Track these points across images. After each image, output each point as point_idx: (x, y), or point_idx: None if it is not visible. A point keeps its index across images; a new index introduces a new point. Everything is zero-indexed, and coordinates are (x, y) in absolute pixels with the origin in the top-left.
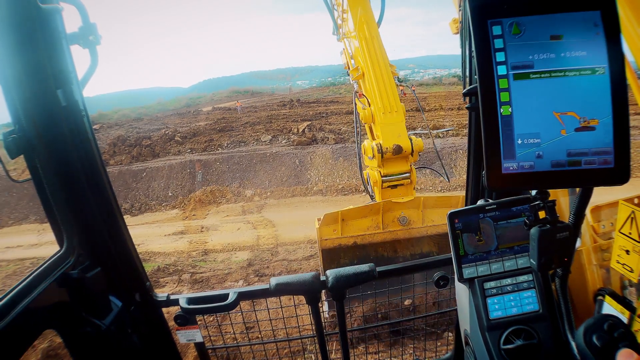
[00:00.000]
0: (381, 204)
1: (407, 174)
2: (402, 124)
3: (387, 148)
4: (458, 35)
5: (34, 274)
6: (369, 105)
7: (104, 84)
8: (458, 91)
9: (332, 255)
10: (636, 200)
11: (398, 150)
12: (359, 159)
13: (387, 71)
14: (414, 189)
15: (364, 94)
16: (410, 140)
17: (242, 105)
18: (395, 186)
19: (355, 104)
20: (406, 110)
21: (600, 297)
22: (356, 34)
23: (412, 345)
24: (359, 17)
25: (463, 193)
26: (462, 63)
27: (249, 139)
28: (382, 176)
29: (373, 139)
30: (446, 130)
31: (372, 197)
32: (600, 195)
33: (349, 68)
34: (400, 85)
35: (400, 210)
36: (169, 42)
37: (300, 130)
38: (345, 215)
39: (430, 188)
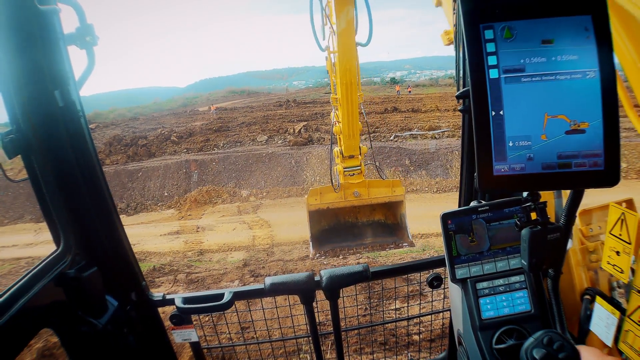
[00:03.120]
0: (343, 185)
1: (358, 167)
2: (357, 142)
3: (346, 156)
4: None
5: (31, 273)
6: (339, 123)
7: (101, 83)
8: (454, 92)
9: (315, 215)
10: (624, 205)
11: (351, 156)
12: (330, 160)
13: (356, 109)
14: (363, 175)
15: (338, 120)
16: (360, 148)
17: (216, 110)
18: (352, 174)
19: (332, 124)
20: (401, 112)
21: (587, 297)
22: (339, 80)
23: (406, 345)
24: (344, 63)
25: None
26: (456, 66)
27: (245, 139)
28: (343, 169)
29: (340, 145)
30: (442, 132)
31: (335, 189)
32: (587, 197)
33: (331, 81)
34: (397, 86)
35: (354, 188)
36: (167, 42)
37: (297, 131)
38: (322, 190)
39: (427, 189)
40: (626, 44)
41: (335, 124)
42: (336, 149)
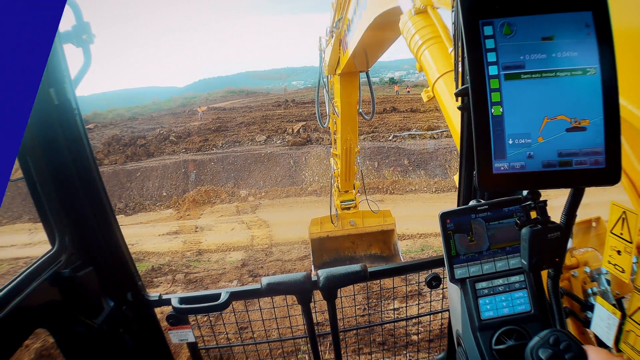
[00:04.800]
0: (340, 215)
1: (353, 201)
2: (352, 182)
3: (342, 191)
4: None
5: (25, 273)
6: (338, 169)
7: (99, 83)
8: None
9: (317, 242)
10: (593, 224)
11: (346, 192)
12: (330, 199)
13: (353, 163)
14: (357, 207)
15: (337, 167)
16: (354, 185)
17: (204, 111)
18: (348, 208)
19: (333, 168)
20: (400, 112)
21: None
22: (339, 144)
23: (404, 345)
24: (345, 134)
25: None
26: (455, 63)
27: (244, 139)
28: (340, 202)
29: (337, 182)
30: (440, 132)
31: (334, 223)
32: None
33: (332, 137)
34: (395, 86)
35: (350, 218)
36: (166, 42)
37: (295, 131)
38: (322, 220)
39: (425, 189)
40: (625, 147)
41: (334, 170)
42: (335, 188)
